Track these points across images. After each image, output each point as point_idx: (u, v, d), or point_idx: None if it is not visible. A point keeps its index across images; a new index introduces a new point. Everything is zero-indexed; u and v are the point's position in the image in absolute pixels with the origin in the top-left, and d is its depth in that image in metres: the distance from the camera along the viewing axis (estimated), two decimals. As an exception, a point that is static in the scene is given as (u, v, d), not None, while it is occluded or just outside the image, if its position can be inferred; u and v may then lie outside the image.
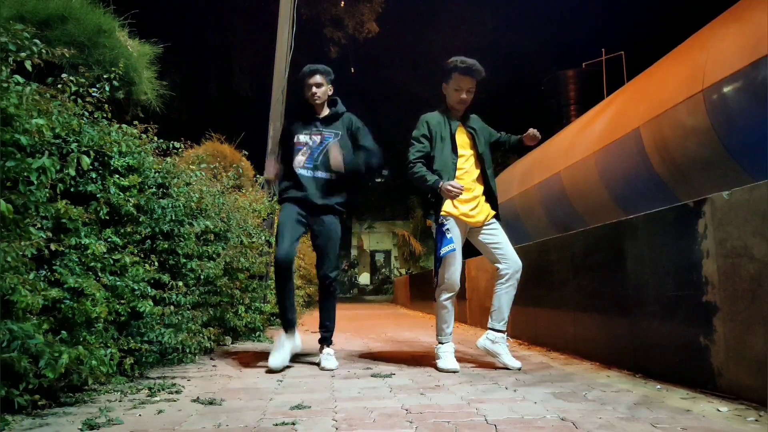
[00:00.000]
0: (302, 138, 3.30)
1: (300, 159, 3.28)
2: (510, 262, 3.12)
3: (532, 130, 3.16)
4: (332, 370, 3.12)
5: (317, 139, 3.29)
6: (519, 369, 2.98)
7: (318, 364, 3.26)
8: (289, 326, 3.24)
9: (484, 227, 3.19)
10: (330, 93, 3.37)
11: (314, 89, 3.28)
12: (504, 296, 3.12)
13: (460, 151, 3.18)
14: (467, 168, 3.19)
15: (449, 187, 2.97)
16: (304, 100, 3.37)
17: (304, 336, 5.46)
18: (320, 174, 3.26)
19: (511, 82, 20.82)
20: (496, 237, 3.18)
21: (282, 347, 3.17)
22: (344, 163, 3.20)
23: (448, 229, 3.08)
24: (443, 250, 3.04)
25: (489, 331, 3.14)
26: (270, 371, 3.07)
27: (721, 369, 2.18)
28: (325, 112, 3.37)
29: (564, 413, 1.95)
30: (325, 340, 3.34)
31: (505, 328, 3.14)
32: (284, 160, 3.42)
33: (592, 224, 4.59)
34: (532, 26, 21.52)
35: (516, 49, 21.72)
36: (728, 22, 4.46)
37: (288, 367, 3.24)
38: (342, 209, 3.35)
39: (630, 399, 2.18)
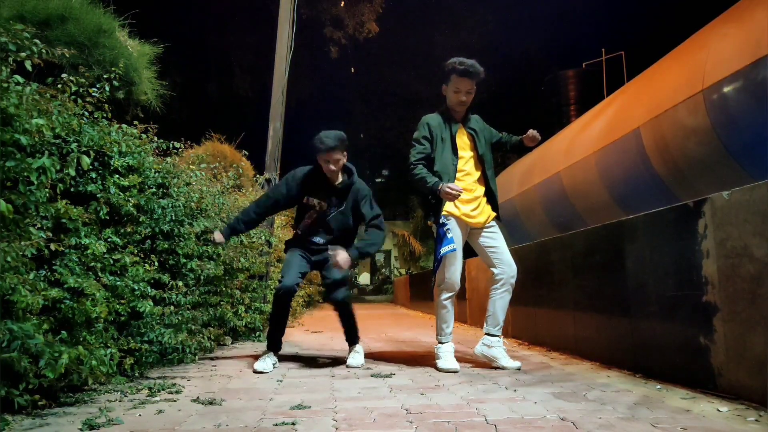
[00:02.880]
0: (312, 201, 3.33)
1: (306, 222, 3.35)
2: (505, 267, 3.13)
3: (532, 131, 3.16)
4: (358, 367, 3.22)
5: (324, 206, 3.32)
6: (518, 369, 2.99)
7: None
8: (276, 347, 3.31)
9: (485, 230, 3.20)
10: (344, 161, 3.32)
11: (331, 166, 3.24)
12: (498, 301, 3.13)
13: (460, 153, 3.18)
14: (468, 169, 3.19)
15: (448, 190, 2.97)
16: (317, 167, 3.33)
17: (304, 336, 5.47)
18: (318, 239, 3.34)
19: (512, 82, 20.82)
20: (495, 241, 3.18)
21: (266, 360, 3.21)
22: (352, 259, 3.21)
23: (449, 229, 3.08)
24: (443, 250, 3.04)
25: (485, 336, 3.16)
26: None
27: (721, 369, 2.18)
28: (339, 179, 3.35)
29: (564, 413, 1.95)
30: (352, 342, 3.45)
31: (500, 333, 3.15)
32: (265, 217, 3.59)
33: (592, 224, 4.59)
34: (532, 26, 21.52)
35: (516, 49, 21.73)
36: (728, 22, 4.46)
37: (288, 367, 3.24)
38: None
39: (630, 399, 2.18)
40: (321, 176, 3.32)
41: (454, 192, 2.97)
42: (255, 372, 3.07)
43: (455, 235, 3.09)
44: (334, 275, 3.25)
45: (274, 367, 3.19)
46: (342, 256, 3.15)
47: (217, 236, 3.35)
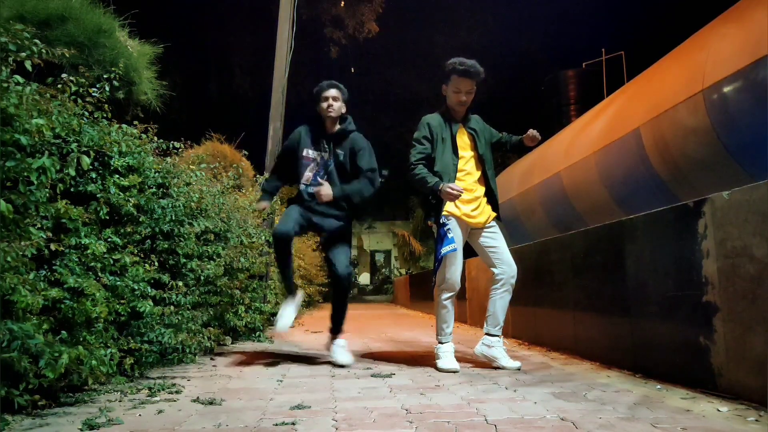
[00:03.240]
0: (311, 153, 3.36)
1: (308, 175, 3.35)
2: (506, 266, 3.13)
3: (532, 131, 3.16)
4: (346, 366, 3.19)
5: (325, 156, 3.35)
6: (518, 369, 2.99)
7: (331, 362, 3.34)
8: (292, 290, 3.39)
9: (485, 230, 3.20)
10: (343, 111, 3.40)
11: (331, 101, 3.32)
12: (499, 301, 3.13)
13: (460, 153, 3.18)
14: (468, 169, 3.19)
15: (449, 190, 2.97)
16: (315, 115, 3.40)
17: (304, 336, 5.47)
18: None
19: (511, 82, 20.82)
20: (495, 241, 3.18)
21: (286, 309, 3.30)
22: (334, 195, 3.24)
23: (449, 229, 3.08)
24: (444, 250, 3.04)
25: (485, 336, 3.16)
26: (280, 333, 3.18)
27: (721, 369, 2.18)
28: (335, 128, 3.40)
29: (564, 413, 1.95)
30: (335, 332, 3.41)
31: (500, 333, 3.15)
32: (286, 175, 3.60)
33: (592, 224, 4.59)
34: (532, 26, 21.54)
35: (516, 49, 21.74)
36: (728, 22, 4.46)
37: (288, 367, 3.24)
38: (344, 212, 3.38)
39: (630, 399, 2.19)
40: (318, 125, 3.39)
41: (454, 192, 2.97)
42: (281, 324, 3.24)
43: (455, 235, 3.09)
44: (340, 263, 3.27)
45: (294, 319, 3.29)
46: (325, 188, 3.21)
47: (261, 204, 3.59)
